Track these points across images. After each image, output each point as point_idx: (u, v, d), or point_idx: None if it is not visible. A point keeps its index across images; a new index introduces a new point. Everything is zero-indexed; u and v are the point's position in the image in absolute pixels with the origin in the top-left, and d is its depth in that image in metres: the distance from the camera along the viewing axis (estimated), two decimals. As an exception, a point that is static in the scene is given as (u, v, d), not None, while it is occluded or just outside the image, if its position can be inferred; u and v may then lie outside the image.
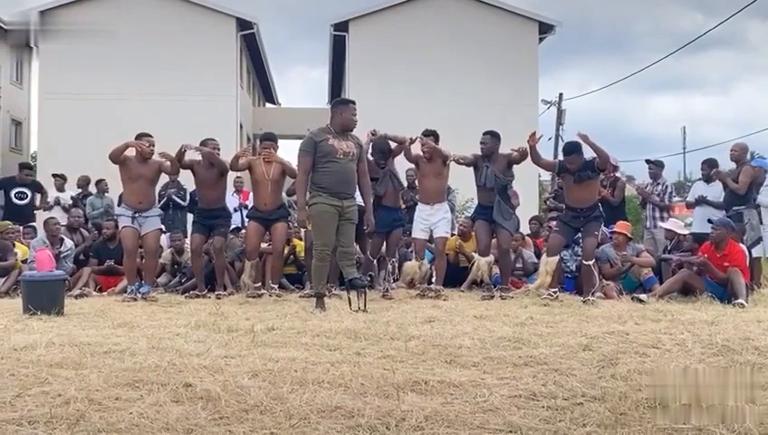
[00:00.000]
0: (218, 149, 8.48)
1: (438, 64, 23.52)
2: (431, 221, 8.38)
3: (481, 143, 8.27)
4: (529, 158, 8.00)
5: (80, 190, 12.78)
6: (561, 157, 8.08)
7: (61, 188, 12.29)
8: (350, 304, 6.84)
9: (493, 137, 8.26)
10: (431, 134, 8.48)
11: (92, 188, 12.89)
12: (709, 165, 9.36)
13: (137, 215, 8.11)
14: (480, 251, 8.42)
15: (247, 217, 8.77)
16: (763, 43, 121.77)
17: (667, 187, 10.26)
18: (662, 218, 9.94)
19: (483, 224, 8.30)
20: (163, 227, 9.54)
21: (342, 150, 6.94)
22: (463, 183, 11.13)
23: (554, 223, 9.66)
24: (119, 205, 12.02)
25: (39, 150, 24.09)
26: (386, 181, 8.47)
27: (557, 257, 7.96)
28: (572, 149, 7.86)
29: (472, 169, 8.37)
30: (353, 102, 7.22)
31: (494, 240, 8.43)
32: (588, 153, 7.88)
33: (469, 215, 11.36)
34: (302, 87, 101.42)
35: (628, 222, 9.45)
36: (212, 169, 8.38)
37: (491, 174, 8.12)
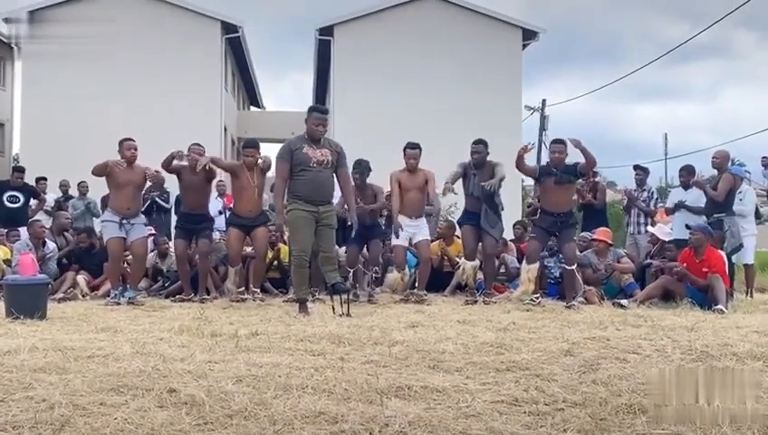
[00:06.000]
0: (203, 155, 8.49)
1: (422, 70, 23.58)
2: (411, 232, 8.43)
3: (475, 153, 8.25)
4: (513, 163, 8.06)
5: (61, 194, 12.73)
6: (544, 161, 8.16)
7: (43, 192, 12.21)
8: (334, 310, 6.86)
9: (485, 147, 8.29)
10: (416, 147, 8.48)
11: (73, 191, 12.83)
12: (687, 172, 9.43)
13: (124, 221, 8.09)
14: (466, 255, 8.44)
15: (228, 223, 8.78)
16: (749, 51, 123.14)
17: (653, 193, 10.34)
18: (646, 224, 10.01)
19: (469, 229, 8.31)
20: (152, 229, 9.54)
21: (316, 159, 6.95)
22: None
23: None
24: (105, 205, 12.02)
25: (21, 152, 23.89)
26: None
27: (537, 264, 8.02)
28: (560, 139, 7.99)
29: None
30: (320, 111, 7.16)
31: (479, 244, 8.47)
32: (571, 159, 7.97)
33: (450, 219, 11.45)
34: (298, 93, 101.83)
35: (608, 228, 9.55)
36: (198, 174, 8.38)
37: (478, 183, 8.15)
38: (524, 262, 8.21)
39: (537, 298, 7.82)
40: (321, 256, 7.15)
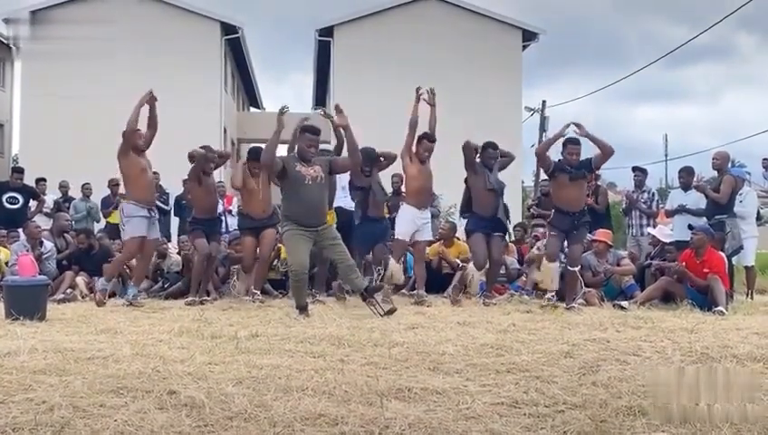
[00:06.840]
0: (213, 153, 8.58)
1: (422, 70, 23.32)
2: (418, 224, 8.35)
3: (490, 158, 8.22)
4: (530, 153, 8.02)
5: (61, 195, 12.71)
6: (557, 157, 8.07)
7: (42, 193, 12.19)
8: (381, 312, 6.81)
9: (498, 149, 8.31)
10: (434, 141, 8.43)
11: (73, 192, 12.80)
12: (687, 173, 9.42)
13: (152, 213, 8.12)
14: (477, 264, 8.23)
15: (240, 228, 8.80)
16: (750, 54, 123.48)
17: (654, 194, 10.32)
18: (649, 225, 9.98)
19: (480, 236, 8.21)
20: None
21: (310, 176, 7.00)
22: (447, 188, 11.17)
23: (541, 230, 9.70)
24: (104, 206, 12.03)
25: (21, 153, 23.88)
26: (369, 192, 8.44)
27: (557, 264, 7.92)
28: (576, 139, 7.84)
29: (468, 174, 8.31)
30: (312, 132, 7.14)
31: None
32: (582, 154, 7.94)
33: (452, 219, 11.40)
34: (298, 94, 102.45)
35: (611, 229, 9.52)
36: (210, 178, 8.52)
37: (495, 177, 8.19)
38: (544, 260, 8.04)
39: (554, 297, 7.79)
40: (341, 269, 7.19)
